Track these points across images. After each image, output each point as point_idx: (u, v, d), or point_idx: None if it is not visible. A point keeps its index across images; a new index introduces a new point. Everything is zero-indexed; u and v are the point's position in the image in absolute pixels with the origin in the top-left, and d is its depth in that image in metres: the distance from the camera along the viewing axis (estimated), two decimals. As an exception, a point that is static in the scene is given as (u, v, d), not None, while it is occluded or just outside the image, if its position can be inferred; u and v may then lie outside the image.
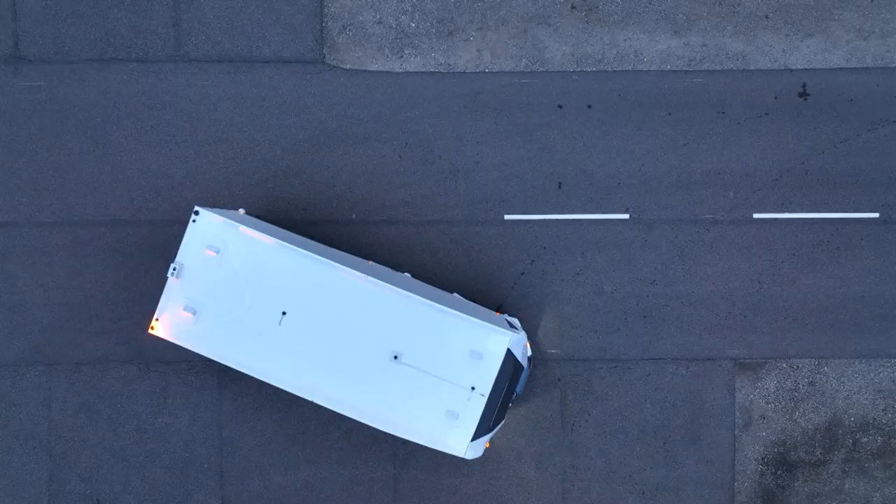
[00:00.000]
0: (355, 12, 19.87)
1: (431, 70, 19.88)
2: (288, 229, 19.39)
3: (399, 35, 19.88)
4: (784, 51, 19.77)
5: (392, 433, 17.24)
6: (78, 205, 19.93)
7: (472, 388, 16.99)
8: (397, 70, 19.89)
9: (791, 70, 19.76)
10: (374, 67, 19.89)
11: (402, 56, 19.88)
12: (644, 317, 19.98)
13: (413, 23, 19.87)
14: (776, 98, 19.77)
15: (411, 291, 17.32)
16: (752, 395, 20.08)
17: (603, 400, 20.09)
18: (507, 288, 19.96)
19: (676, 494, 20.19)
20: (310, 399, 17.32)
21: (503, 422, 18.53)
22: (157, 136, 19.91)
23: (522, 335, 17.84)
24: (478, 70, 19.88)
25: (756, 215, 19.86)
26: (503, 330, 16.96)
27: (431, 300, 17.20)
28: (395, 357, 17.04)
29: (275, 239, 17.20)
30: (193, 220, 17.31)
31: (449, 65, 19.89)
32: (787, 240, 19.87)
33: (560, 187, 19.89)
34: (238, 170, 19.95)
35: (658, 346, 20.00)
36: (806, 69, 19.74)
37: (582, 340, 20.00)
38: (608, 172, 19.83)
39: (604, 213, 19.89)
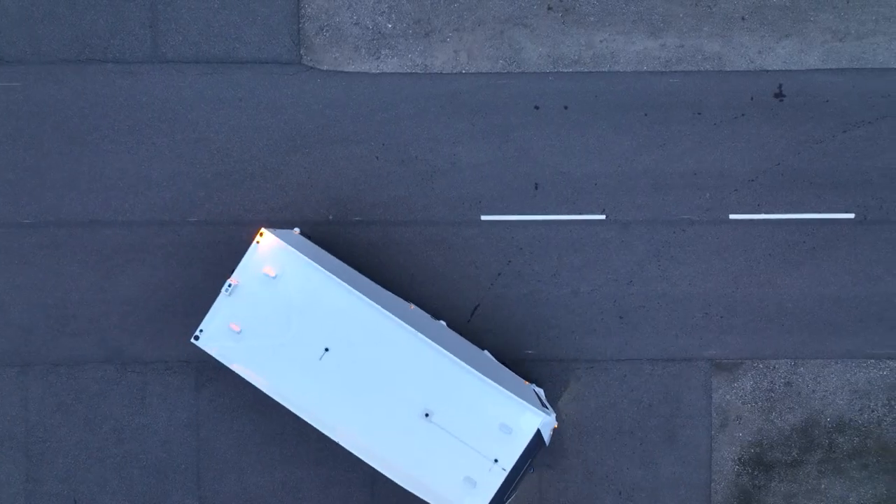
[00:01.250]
0: (332, 13, 19.90)
1: (408, 71, 19.91)
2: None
3: (376, 36, 19.91)
4: (760, 52, 19.80)
5: (405, 487, 17.12)
6: (55, 205, 19.95)
7: (496, 461, 16.92)
8: (374, 71, 19.92)
9: (767, 71, 19.80)
10: (350, 68, 19.92)
11: (378, 57, 19.91)
12: (620, 317, 20.02)
13: (390, 24, 19.90)
14: (752, 99, 19.81)
15: (445, 344, 17.30)
16: (728, 396, 20.12)
17: (579, 400, 20.12)
18: (484, 288, 19.99)
19: (653, 495, 20.22)
20: (334, 439, 17.24)
21: (515, 495, 18.50)
22: (135, 136, 19.93)
23: (552, 417, 17.74)
24: (454, 71, 19.91)
25: (732, 216, 19.89)
26: (536, 410, 16.92)
27: (465, 358, 17.19)
28: (427, 415, 16.99)
29: (329, 273, 17.14)
30: (257, 242, 17.22)
31: (426, 66, 19.92)
32: (764, 240, 19.91)
33: (537, 188, 19.92)
34: (215, 170, 19.97)
35: (635, 346, 20.04)
36: (782, 70, 19.78)
37: (558, 341, 20.04)
38: (585, 173, 19.87)
39: (580, 213, 19.92)
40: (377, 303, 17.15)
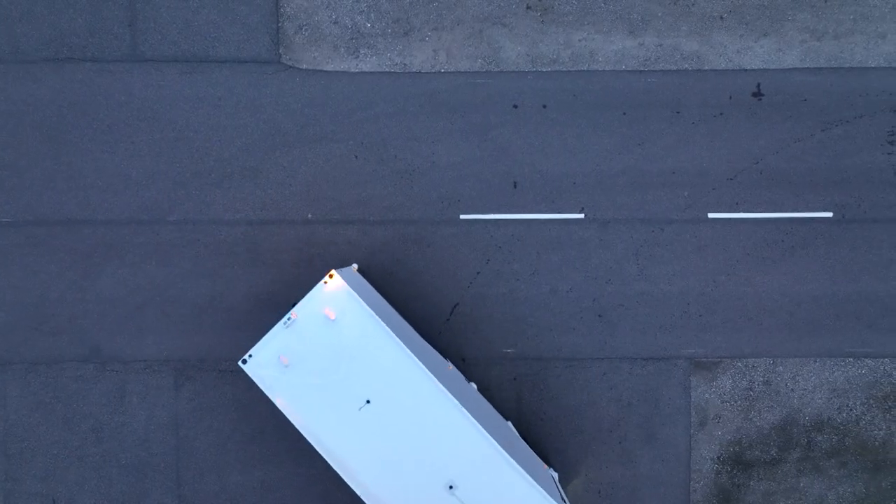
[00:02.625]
0: (311, 12, 19.91)
1: (387, 70, 19.93)
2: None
3: (355, 35, 19.92)
4: (739, 51, 19.84)
5: None
6: (34, 204, 19.93)
7: None
8: (353, 70, 19.93)
9: (745, 70, 19.84)
10: (329, 67, 19.93)
11: (357, 56, 19.93)
12: (599, 316, 20.04)
13: (369, 23, 19.91)
14: (731, 98, 19.84)
15: (474, 410, 17.34)
16: (707, 395, 20.14)
17: (559, 399, 20.14)
18: (463, 287, 20.00)
19: (632, 493, 20.24)
20: (356, 491, 17.24)
21: None
22: (114, 135, 19.92)
23: None
24: (433, 70, 19.92)
25: (711, 215, 19.92)
26: (555, 502, 17.02)
27: (491, 429, 17.25)
28: (451, 487, 17.01)
29: (385, 326, 17.15)
30: (325, 283, 17.21)
31: (405, 65, 19.94)
32: (742, 239, 19.94)
33: (515, 187, 19.94)
34: (194, 169, 19.97)
35: (613, 345, 20.06)
36: (760, 69, 19.82)
37: (538, 339, 20.05)
38: (563, 172, 19.89)
39: (559, 212, 19.94)
40: (422, 360, 17.21)
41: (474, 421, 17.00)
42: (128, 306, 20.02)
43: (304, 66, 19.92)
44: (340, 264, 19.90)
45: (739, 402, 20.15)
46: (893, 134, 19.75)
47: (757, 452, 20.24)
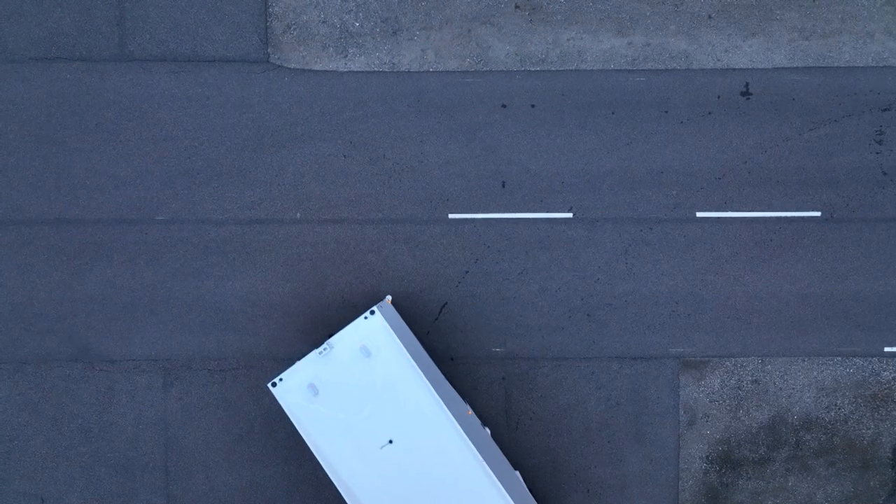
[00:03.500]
0: (299, 12, 19.91)
1: (376, 69, 19.93)
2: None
3: (343, 34, 19.93)
4: (727, 50, 19.86)
5: None
6: (22, 203, 19.92)
7: None
8: (342, 69, 19.93)
9: (734, 69, 19.85)
10: (318, 67, 19.93)
11: (346, 55, 19.93)
12: (588, 315, 20.05)
13: (357, 22, 19.92)
14: (719, 97, 19.86)
15: (488, 457, 17.43)
16: (696, 394, 20.16)
17: (547, 398, 20.15)
18: (452, 286, 20.01)
19: (621, 492, 20.25)
20: None
21: None
22: (102, 135, 19.91)
23: None
24: (422, 69, 19.93)
25: (699, 214, 19.94)
26: None
27: (502, 476, 17.36)
28: None
29: (418, 369, 17.21)
30: (366, 318, 17.25)
31: (393, 64, 19.94)
32: (730, 238, 19.95)
33: (504, 186, 19.95)
34: (183, 169, 19.97)
35: (602, 344, 20.07)
36: (748, 69, 19.84)
37: (526, 339, 20.06)
38: (552, 171, 19.90)
39: (547, 212, 19.95)
40: (446, 404, 17.26)
41: (492, 474, 17.09)
42: (116, 306, 20.02)
43: (293, 66, 19.92)
44: (333, 264, 19.92)
45: (728, 401, 20.17)
46: (881, 133, 19.78)
47: (745, 451, 20.25)
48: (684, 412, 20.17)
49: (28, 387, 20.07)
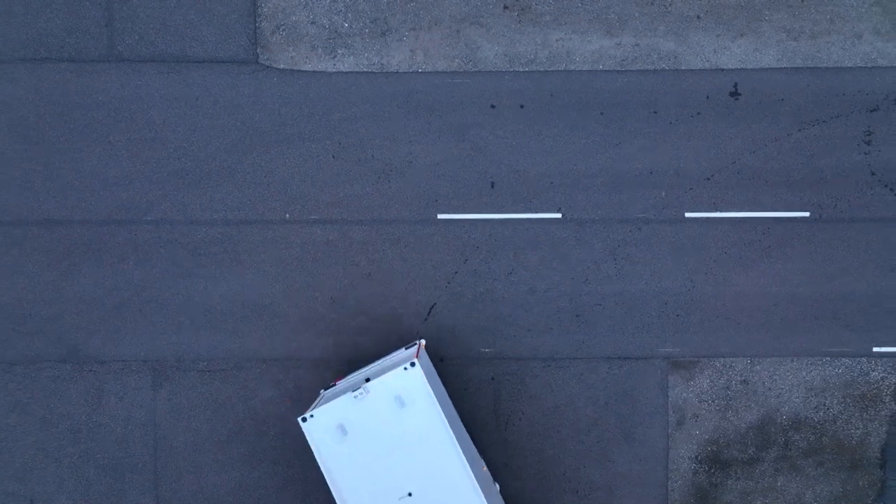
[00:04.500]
0: (289, 12, 19.91)
1: (365, 70, 19.94)
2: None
3: (332, 35, 19.93)
4: (715, 51, 19.87)
5: None
6: (11, 204, 19.92)
7: None
8: (330, 70, 19.94)
9: (722, 70, 19.87)
10: (307, 67, 19.93)
11: (335, 56, 19.93)
12: (577, 316, 20.06)
13: (346, 23, 19.92)
14: (708, 98, 19.87)
15: None
16: (685, 394, 20.17)
17: (536, 399, 20.16)
18: (441, 287, 20.01)
19: (610, 493, 20.26)
20: None
21: None
22: (91, 135, 19.91)
23: None
24: (411, 70, 19.94)
25: (688, 214, 19.95)
26: None
27: None
28: None
29: (448, 425, 17.23)
30: (405, 369, 17.24)
31: (382, 65, 19.95)
32: (719, 239, 19.97)
33: (493, 187, 19.96)
34: (172, 169, 19.97)
35: (591, 344, 20.08)
36: (737, 69, 19.85)
37: (515, 339, 20.07)
38: (541, 172, 19.91)
39: (536, 212, 19.96)
40: (468, 461, 17.29)
41: None
42: (105, 306, 20.01)
43: (282, 66, 19.93)
44: (322, 265, 19.91)
45: (717, 401, 20.18)
46: (870, 134, 19.80)
47: (734, 452, 20.27)
48: (673, 412, 20.18)
49: (17, 387, 20.06)
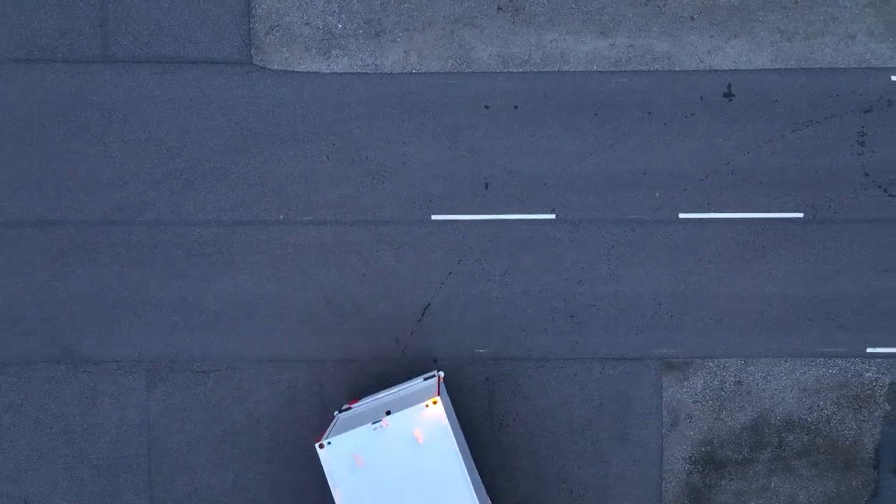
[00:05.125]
0: (283, 13, 19.91)
1: (358, 71, 19.94)
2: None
3: (326, 36, 19.93)
4: (709, 52, 19.88)
5: None
6: (4, 205, 19.91)
7: None
8: (324, 71, 19.94)
9: (716, 71, 19.88)
10: (301, 68, 19.94)
11: (329, 57, 19.94)
12: (571, 316, 20.07)
13: (340, 24, 19.92)
14: (702, 98, 19.88)
15: None
16: (679, 395, 20.18)
17: (530, 399, 20.17)
18: (435, 288, 20.02)
19: (604, 493, 20.27)
20: None
21: None
22: (85, 136, 19.91)
23: None
24: (405, 71, 19.94)
25: (682, 215, 19.96)
26: None
27: None
28: None
29: (463, 464, 17.26)
30: (427, 406, 17.23)
31: (376, 66, 19.95)
32: (713, 239, 19.98)
33: (487, 187, 19.97)
34: (166, 170, 19.97)
35: (585, 345, 20.09)
36: (731, 70, 19.86)
37: (509, 340, 20.08)
38: (535, 173, 19.92)
39: (530, 213, 19.97)
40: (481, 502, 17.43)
41: None
42: (99, 307, 20.01)
43: (276, 67, 19.93)
44: (316, 266, 19.92)
45: (711, 402, 20.20)
46: (863, 135, 19.82)
47: (728, 452, 20.28)
48: (667, 413, 20.19)
49: (11, 388, 20.06)
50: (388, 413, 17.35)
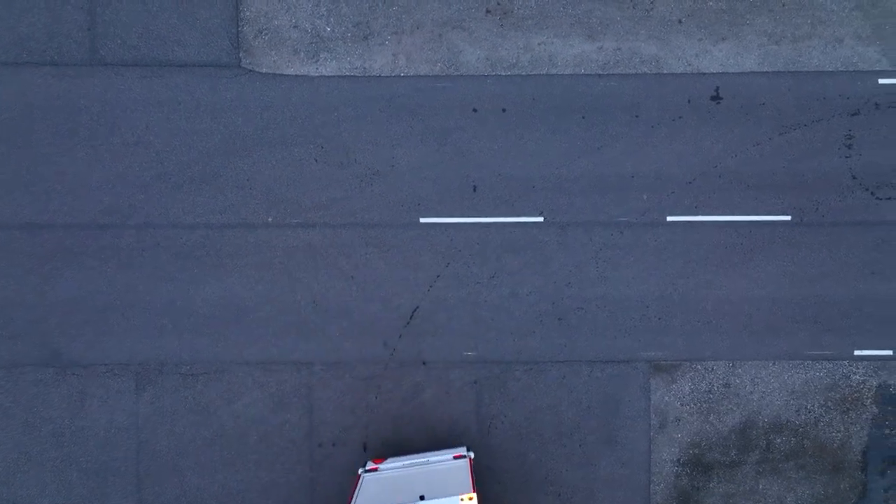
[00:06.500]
0: (271, 16, 19.93)
1: (347, 74, 19.96)
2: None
3: (315, 39, 19.95)
4: (697, 55, 19.92)
5: None
6: (-7, 208, 19.95)
7: None
8: (313, 74, 19.96)
9: (704, 74, 19.91)
10: (289, 71, 19.95)
11: (317, 60, 19.96)
12: (559, 319, 20.09)
13: (329, 27, 19.94)
14: (689, 101, 19.91)
15: None
16: (667, 397, 20.21)
17: (518, 402, 20.18)
18: (423, 291, 20.03)
19: (593, 496, 20.29)
20: None
21: None
22: (73, 139, 19.92)
23: None
24: (393, 74, 19.96)
25: (670, 218, 19.99)
26: None
27: None
28: None
29: None
30: (462, 500, 17.01)
31: (364, 69, 19.97)
32: (701, 242, 20.01)
33: (475, 190, 19.99)
34: (155, 173, 19.97)
35: (573, 348, 20.11)
36: (719, 73, 19.89)
37: (497, 343, 20.10)
38: (523, 176, 19.94)
39: (518, 216, 19.99)
40: None
41: None
42: (88, 310, 20.01)
43: (264, 70, 19.95)
44: (304, 269, 19.92)
45: (699, 404, 20.22)
46: (850, 138, 19.85)
47: (716, 455, 20.31)
48: (655, 416, 20.21)
49: (-1, 391, 20.10)
50: (422, 498, 17.23)
